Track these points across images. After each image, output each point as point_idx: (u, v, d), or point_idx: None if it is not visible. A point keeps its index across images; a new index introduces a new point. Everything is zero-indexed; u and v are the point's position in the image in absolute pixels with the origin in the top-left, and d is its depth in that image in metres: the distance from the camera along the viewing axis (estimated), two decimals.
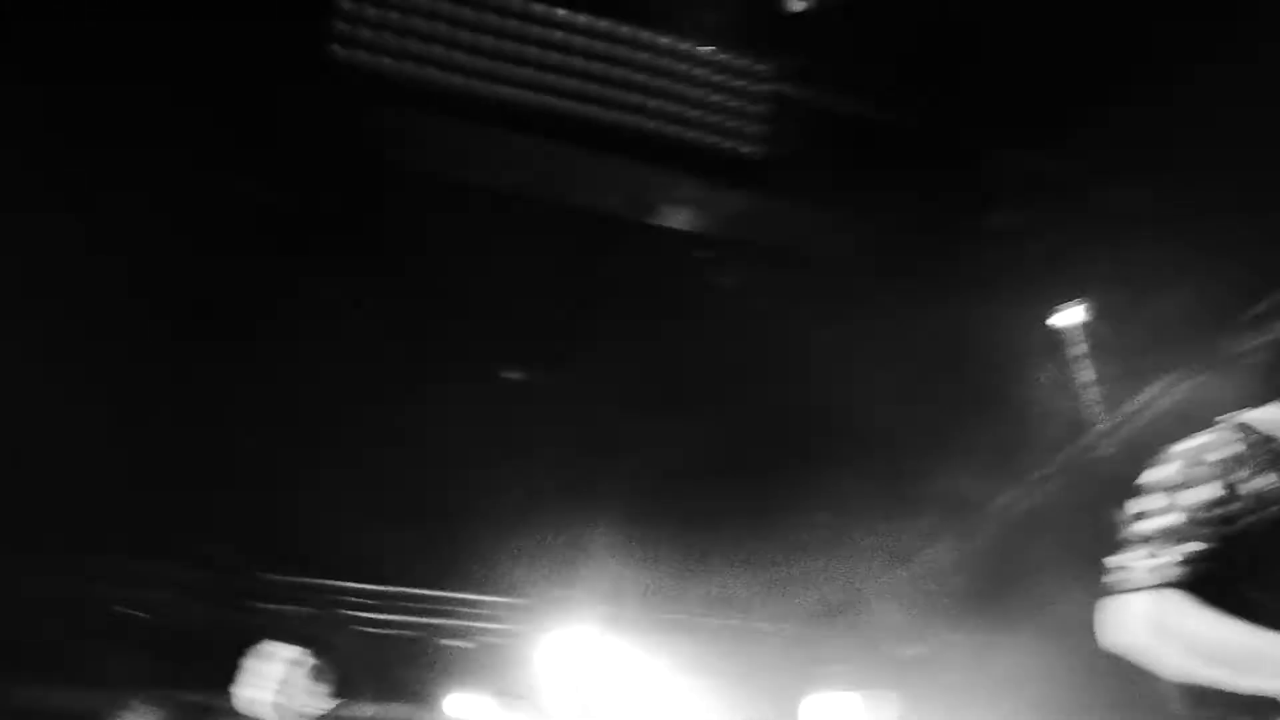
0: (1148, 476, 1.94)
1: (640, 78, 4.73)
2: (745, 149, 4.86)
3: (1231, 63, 4.44)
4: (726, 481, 6.17)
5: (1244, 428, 1.96)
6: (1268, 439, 1.92)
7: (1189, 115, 4.65)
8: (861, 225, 5.48)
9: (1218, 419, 2.01)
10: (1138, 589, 1.84)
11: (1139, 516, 1.91)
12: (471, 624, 7.05)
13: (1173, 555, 1.83)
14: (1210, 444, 1.92)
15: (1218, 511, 1.84)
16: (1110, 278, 5.64)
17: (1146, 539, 1.87)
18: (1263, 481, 1.86)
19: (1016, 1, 4.71)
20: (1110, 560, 1.90)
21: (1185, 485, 1.88)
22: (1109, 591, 1.88)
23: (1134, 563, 1.86)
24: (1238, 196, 4.88)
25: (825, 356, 5.38)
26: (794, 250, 5.69)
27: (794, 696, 7.41)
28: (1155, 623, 1.82)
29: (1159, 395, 5.96)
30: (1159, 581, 1.82)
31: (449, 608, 7.00)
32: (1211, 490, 1.86)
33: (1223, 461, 1.88)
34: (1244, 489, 1.86)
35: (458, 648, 6.98)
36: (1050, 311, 5.85)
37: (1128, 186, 5.36)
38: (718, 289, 5.74)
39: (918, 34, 4.80)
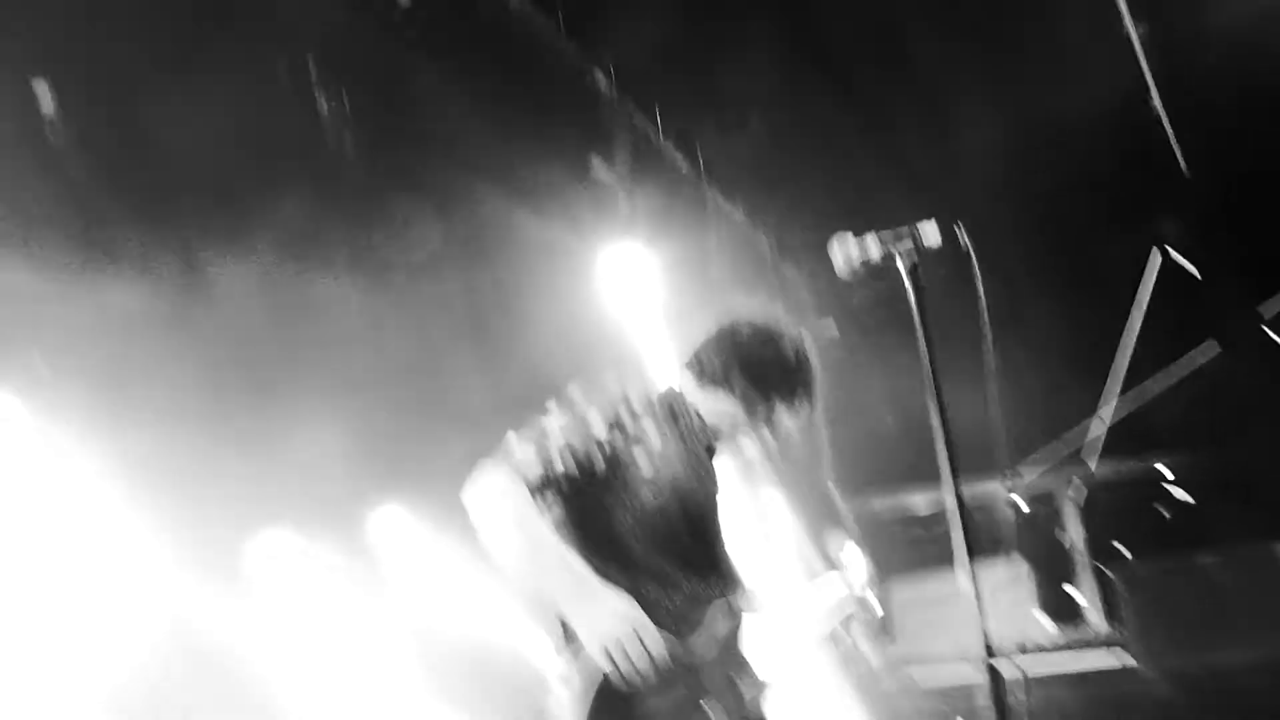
0: (573, 387, 2.23)
1: None
2: None
3: None
4: None
5: (670, 395, 2.36)
6: (675, 414, 2.33)
7: None
8: None
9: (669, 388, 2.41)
10: (508, 476, 2.09)
11: (549, 412, 2.20)
12: None
13: (538, 451, 2.12)
14: (632, 391, 2.26)
15: (594, 443, 2.14)
16: None
17: (541, 434, 2.15)
18: (646, 445, 2.20)
19: None
20: (509, 434, 2.16)
21: (587, 410, 2.19)
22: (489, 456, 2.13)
23: (519, 446, 2.14)
24: None
25: None
26: None
27: None
28: (495, 500, 2.08)
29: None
30: (524, 473, 2.09)
31: None
32: (596, 418, 2.18)
33: (613, 397, 2.22)
34: (629, 441, 2.19)
35: None
36: None
37: None
38: None
39: None
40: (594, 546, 2.17)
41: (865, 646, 2.66)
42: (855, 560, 2.71)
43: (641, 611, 2.00)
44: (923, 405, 2.11)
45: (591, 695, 1.99)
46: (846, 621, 2.59)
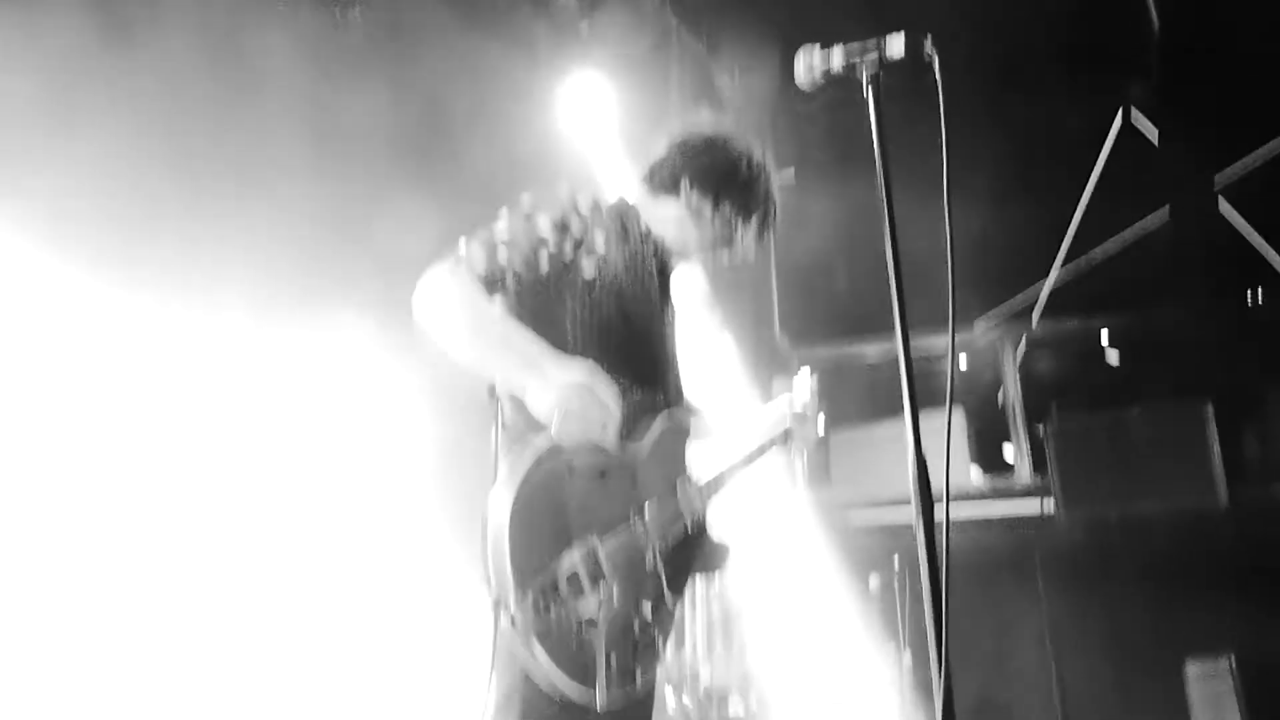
0: (525, 195, 2.22)
1: None
2: None
3: None
4: None
5: (622, 206, 2.35)
6: (625, 227, 2.31)
7: None
8: None
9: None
10: (456, 269, 2.09)
11: (499, 218, 2.18)
12: None
13: (486, 250, 2.12)
14: (581, 198, 2.23)
15: (541, 243, 2.15)
16: None
17: (488, 234, 2.15)
18: (593, 249, 2.19)
19: None
20: (460, 242, 2.15)
21: (535, 213, 2.17)
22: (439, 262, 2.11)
23: (472, 250, 2.13)
24: None
25: None
26: None
27: None
28: (441, 288, 2.08)
29: None
30: (471, 268, 2.10)
31: None
32: (544, 221, 2.17)
33: (561, 203, 2.20)
34: (575, 244, 2.17)
35: None
36: None
37: None
38: None
39: None
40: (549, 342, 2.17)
41: (801, 463, 2.73)
42: (802, 383, 2.72)
43: (599, 372, 2.02)
44: (876, 255, 2.08)
45: (518, 482, 1.92)
46: (786, 435, 2.61)
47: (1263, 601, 5.68)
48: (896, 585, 4.75)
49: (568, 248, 2.18)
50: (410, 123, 5.41)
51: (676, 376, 2.42)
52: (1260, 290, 7.03)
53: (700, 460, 2.47)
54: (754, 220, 2.40)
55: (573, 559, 1.94)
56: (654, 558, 2.11)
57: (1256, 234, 7.11)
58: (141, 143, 3.99)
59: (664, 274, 2.44)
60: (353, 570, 4.80)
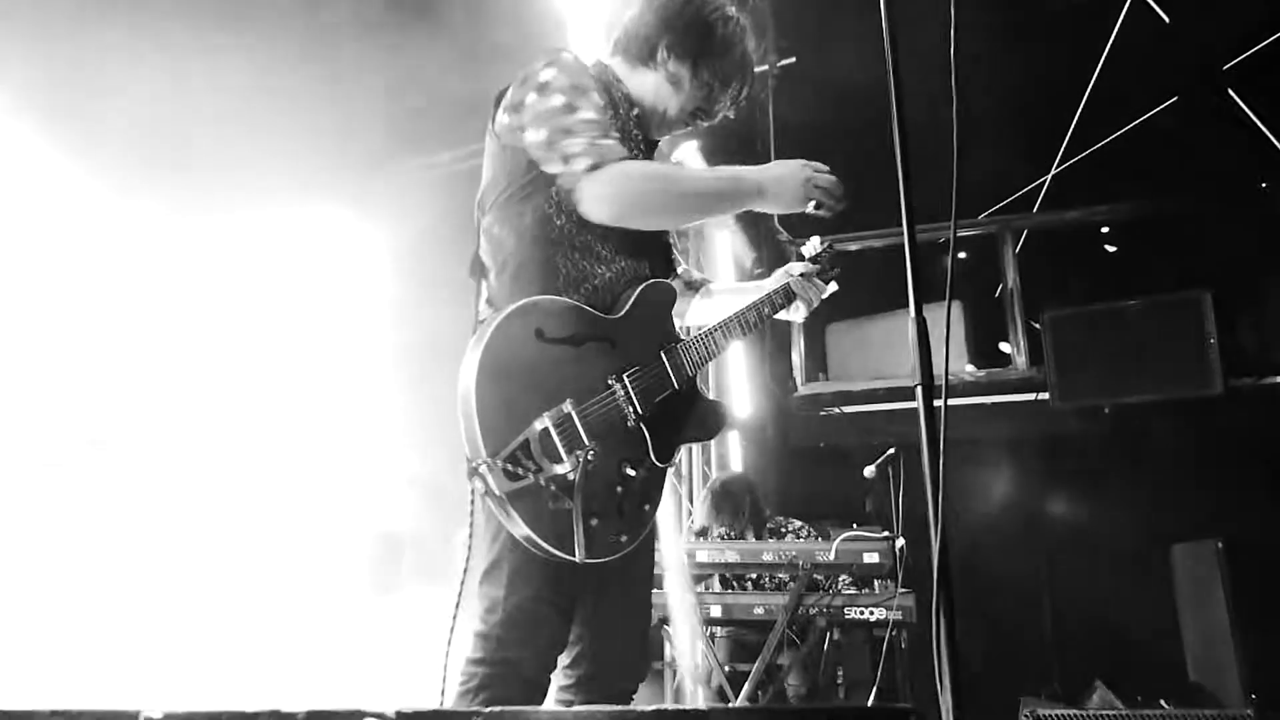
0: (545, 76, 2.16)
1: None
2: None
3: None
4: None
5: (601, 69, 2.31)
6: (610, 93, 2.25)
7: None
8: None
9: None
10: (601, 161, 2.10)
11: (560, 111, 2.13)
12: None
13: (602, 136, 2.13)
14: (584, 67, 2.21)
15: (609, 112, 2.18)
16: None
17: (578, 127, 2.11)
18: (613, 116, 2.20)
19: None
20: (555, 143, 2.12)
21: (581, 90, 2.15)
22: (575, 171, 2.11)
23: (582, 146, 2.11)
24: None
25: None
26: None
27: None
28: (643, 175, 2.15)
29: None
30: (615, 156, 2.12)
31: None
32: (600, 98, 2.17)
33: (596, 81, 2.21)
34: (611, 109, 2.20)
35: None
36: None
37: None
38: None
39: None
40: (549, 220, 2.17)
41: (816, 300, 2.68)
42: (812, 247, 2.70)
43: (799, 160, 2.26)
44: (881, 145, 2.07)
45: (484, 345, 1.96)
46: (787, 293, 2.61)
47: (1253, 487, 5.81)
48: (891, 473, 4.81)
49: (609, 120, 2.18)
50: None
51: (665, 247, 2.40)
52: (1265, 183, 6.98)
53: (696, 323, 2.51)
54: (733, 87, 2.35)
55: (544, 421, 1.95)
56: (636, 422, 2.11)
57: (1261, 125, 7.02)
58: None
59: (650, 145, 2.40)
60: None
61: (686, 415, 2.26)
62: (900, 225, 1.98)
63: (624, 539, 2.06)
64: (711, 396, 2.34)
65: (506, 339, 1.98)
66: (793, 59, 7.25)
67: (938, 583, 1.76)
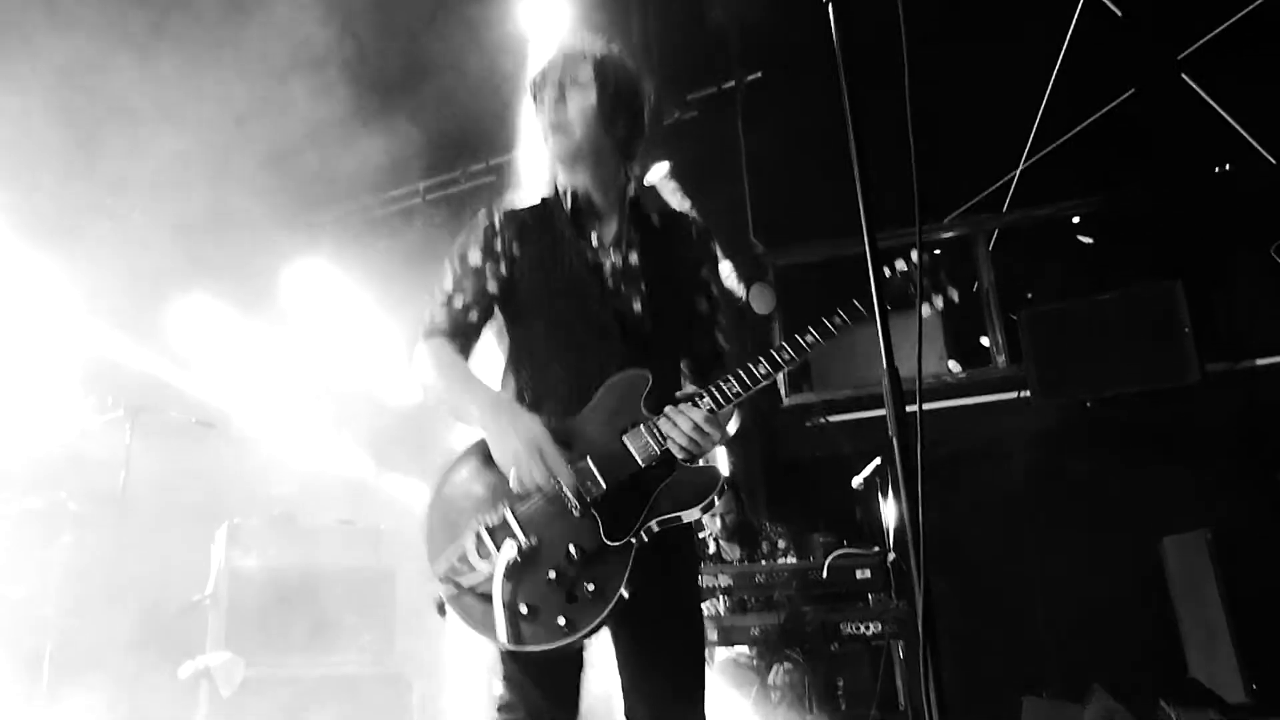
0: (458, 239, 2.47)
1: None
2: None
3: None
4: None
5: (506, 213, 2.44)
6: (519, 222, 2.42)
7: None
8: None
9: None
10: (426, 332, 2.41)
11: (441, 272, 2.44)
12: None
13: (443, 306, 2.41)
14: (496, 213, 2.43)
15: (480, 274, 2.39)
16: None
17: (438, 290, 2.43)
18: (515, 253, 2.39)
19: None
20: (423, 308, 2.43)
21: (458, 254, 2.43)
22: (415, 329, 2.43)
23: (434, 312, 2.42)
24: None
25: None
26: None
27: None
28: (420, 360, 2.40)
29: None
30: (435, 327, 2.39)
31: None
32: (475, 255, 2.41)
33: (484, 232, 2.42)
34: (506, 259, 2.39)
35: None
36: None
37: None
38: None
39: None
40: (514, 346, 2.44)
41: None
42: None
43: (541, 430, 2.23)
44: (841, 156, 2.07)
45: (436, 480, 2.32)
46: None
47: (1237, 473, 5.82)
48: (879, 483, 4.82)
49: (502, 266, 2.40)
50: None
51: (635, 326, 2.37)
52: (1227, 164, 7.04)
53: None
54: (545, 95, 2.41)
55: (477, 525, 2.21)
56: (586, 509, 2.20)
57: (1219, 108, 7.08)
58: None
59: (588, 215, 2.44)
60: None
61: (657, 490, 2.25)
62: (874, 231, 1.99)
63: (566, 623, 2.12)
64: (702, 464, 2.28)
65: (453, 469, 2.32)
66: (759, 73, 7.30)
67: (920, 592, 1.76)
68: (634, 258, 2.41)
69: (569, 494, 2.20)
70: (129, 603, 5.09)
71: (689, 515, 2.24)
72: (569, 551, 2.16)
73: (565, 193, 2.43)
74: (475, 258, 2.41)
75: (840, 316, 2.39)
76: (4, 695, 4.62)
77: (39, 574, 4.88)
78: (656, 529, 2.23)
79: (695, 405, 2.24)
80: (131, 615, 5.09)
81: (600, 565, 2.16)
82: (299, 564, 5.22)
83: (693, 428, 2.20)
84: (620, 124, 2.40)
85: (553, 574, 2.15)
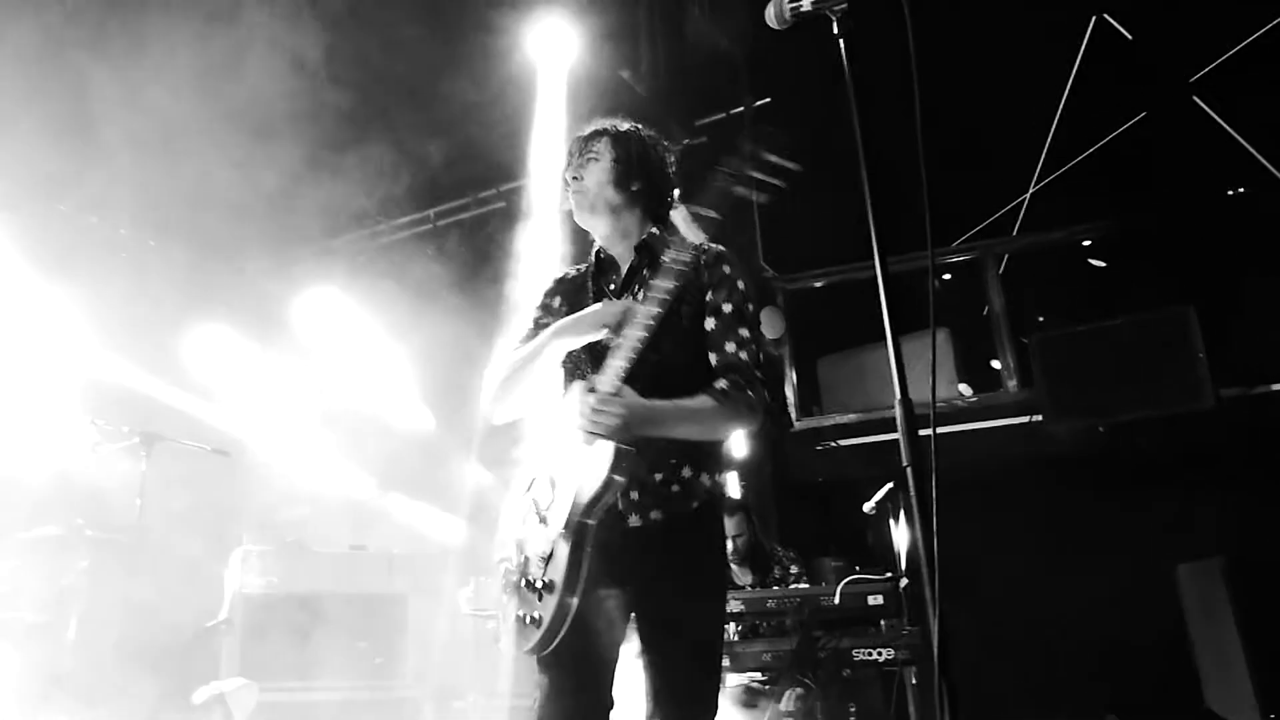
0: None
1: None
2: None
3: None
4: None
5: (560, 276, 2.81)
6: (568, 281, 2.78)
7: None
8: None
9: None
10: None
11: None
12: None
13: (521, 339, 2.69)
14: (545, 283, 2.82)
15: (536, 326, 2.69)
16: None
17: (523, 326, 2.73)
18: (557, 306, 2.74)
19: None
20: None
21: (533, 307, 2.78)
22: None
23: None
24: None
25: None
26: None
27: None
28: (495, 367, 2.66)
29: None
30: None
31: None
32: (537, 310, 2.75)
33: (544, 292, 2.79)
34: (549, 311, 2.72)
35: None
36: None
37: None
38: None
39: None
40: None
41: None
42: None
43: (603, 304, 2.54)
44: (850, 181, 2.09)
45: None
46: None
47: (1251, 499, 5.77)
48: (891, 508, 4.80)
49: (549, 319, 2.67)
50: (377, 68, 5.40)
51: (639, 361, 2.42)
52: (1239, 187, 7.03)
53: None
54: (570, 162, 2.69)
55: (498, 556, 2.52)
56: (534, 516, 2.42)
57: (1231, 130, 7.09)
58: None
59: (608, 267, 2.72)
60: None
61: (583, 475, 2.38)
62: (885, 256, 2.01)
63: (533, 617, 2.33)
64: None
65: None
66: (768, 99, 7.34)
67: (934, 618, 1.76)
68: (640, 297, 2.53)
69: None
70: (144, 628, 5.11)
71: (590, 490, 2.30)
72: (529, 556, 2.40)
73: (595, 252, 2.73)
74: (536, 312, 2.75)
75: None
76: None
77: (56, 600, 4.90)
78: (600, 514, 2.33)
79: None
80: (147, 641, 5.10)
81: (545, 560, 2.35)
82: (312, 589, 5.25)
83: (587, 408, 2.32)
84: (635, 180, 2.64)
85: (523, 581, 2.39)
